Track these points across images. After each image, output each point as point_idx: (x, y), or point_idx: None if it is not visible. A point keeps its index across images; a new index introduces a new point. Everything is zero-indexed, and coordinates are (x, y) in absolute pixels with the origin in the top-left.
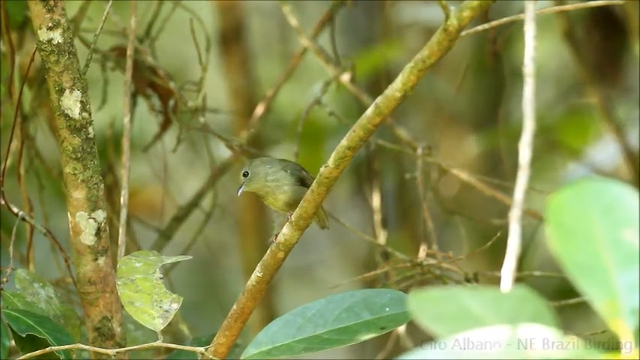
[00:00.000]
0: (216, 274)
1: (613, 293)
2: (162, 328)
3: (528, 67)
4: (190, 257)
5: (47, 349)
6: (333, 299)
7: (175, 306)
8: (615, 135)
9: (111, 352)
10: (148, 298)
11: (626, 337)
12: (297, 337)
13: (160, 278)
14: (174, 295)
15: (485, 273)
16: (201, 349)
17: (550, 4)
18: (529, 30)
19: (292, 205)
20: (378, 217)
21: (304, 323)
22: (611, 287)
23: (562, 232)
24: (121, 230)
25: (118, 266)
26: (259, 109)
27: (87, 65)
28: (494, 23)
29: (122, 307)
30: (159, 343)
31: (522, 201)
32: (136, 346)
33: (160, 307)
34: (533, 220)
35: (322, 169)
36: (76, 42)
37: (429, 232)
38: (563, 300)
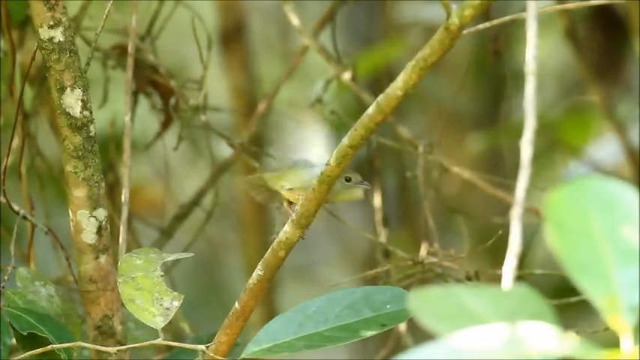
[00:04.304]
0: (217, 272)
1: (612, 291)
2: (163, 325)
3: (530, 66)
4: (191, 255)
5: (48, 347)
6: (333, 297)
7: (176, 304)
8: (616, 133)
9: (112, 350)
10: (149, 296)
11: (625, 334)
12: (297, 335)
13: (161, 276)
14: (175, 293)
15: (487, 271)
16: (202, 347)
17: (551, 2)
18: (531, 28)
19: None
20: (379, 216)
21: (305, 321)
22: (611, 285)
23: (560, 230)
24: (122, 228)
25: (118, 264)
26: (260, 108)
27: (88, 64)
28: (495, 22)
29: (123, 305)
30: (160, 340)
31: (523, 199)
32: (136, 344)
33: (161, 304)
34: (535, 219)
35: (324, 168)
36: (77, 40)
37: (430, 231)
38: (564, 298)
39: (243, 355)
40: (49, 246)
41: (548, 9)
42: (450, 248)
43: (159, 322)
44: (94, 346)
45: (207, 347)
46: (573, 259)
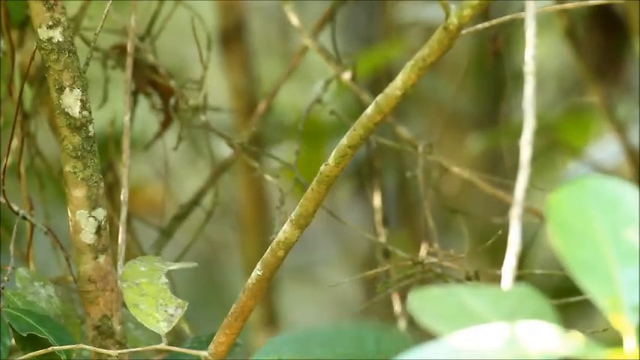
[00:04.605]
0: (217, 272)
1: (614, 290)
2: (167, 331)
3: (529, 66)
4: (195, 264)
5: (48, 349)
6: (340, 327)
7: (180, 311)
8: (616, 133)
9: (113, 352)
10: (153, 302)
11: (627, 334)
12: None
13: (165, 283)
14: (179, 300)
15: (487, 271)
16: (204, 352)
17: (551, 2)
18: (530, 28)
19: None
20: (379, 216)
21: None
22: (613, 284)
23: (563, 230)
24: (121, 228)
25: (122, 270)
26: (260, 108)
27: (87, 64)
28: (494, 22)
29: (123, 305)
30: (162, 345)
31: (523, 199)
32: (138, 348)
33: (165, 310)
34: (534, 219)
35: (323, 168)
36: (77, 40)
37: (430, 231)
38: (565, 298)
39: None
40: (48, 246)
41: (547, 9)
42: (450, 248)
43: (163, 328)
44: (95, 348)
45: (209, 353)
46: (576, 259)
